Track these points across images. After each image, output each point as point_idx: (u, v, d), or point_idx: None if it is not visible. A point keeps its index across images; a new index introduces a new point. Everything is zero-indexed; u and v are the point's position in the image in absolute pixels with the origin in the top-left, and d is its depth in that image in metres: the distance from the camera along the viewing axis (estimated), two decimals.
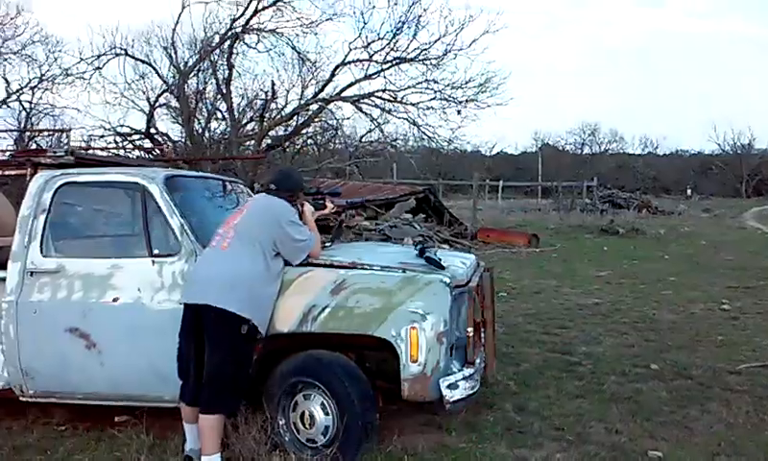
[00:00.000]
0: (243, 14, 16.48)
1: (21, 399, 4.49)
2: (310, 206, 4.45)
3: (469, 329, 4.08)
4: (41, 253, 4.44)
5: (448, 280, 3.98)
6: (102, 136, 18.79)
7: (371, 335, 3.89)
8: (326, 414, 3.97)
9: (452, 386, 3.88)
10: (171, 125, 19.53)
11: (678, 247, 16.73)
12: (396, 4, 16.90)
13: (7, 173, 5.13)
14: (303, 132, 20.00)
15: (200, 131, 18.49)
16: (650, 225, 21.75)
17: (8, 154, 6.09)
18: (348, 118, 19.54)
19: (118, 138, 18.88)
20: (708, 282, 10.99)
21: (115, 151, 18.34)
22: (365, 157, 22.17)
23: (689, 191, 45.63)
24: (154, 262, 4.25)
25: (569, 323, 7.97)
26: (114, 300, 4.26)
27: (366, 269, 4.13)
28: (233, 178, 5.91)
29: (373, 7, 16.92)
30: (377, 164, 29.84)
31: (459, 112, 17.00)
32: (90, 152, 18.12)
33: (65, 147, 19.12)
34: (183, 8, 16.87)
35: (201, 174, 5.71)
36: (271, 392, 4.09)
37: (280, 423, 4.09)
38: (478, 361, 4.23)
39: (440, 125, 17.83)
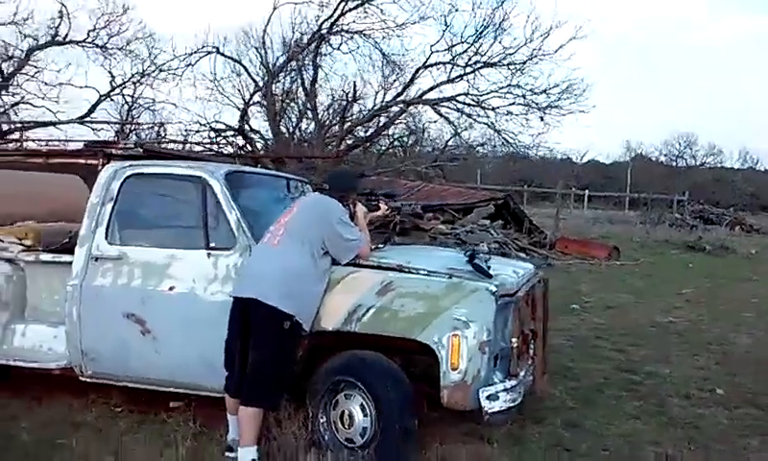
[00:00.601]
0: (331, 16, 16.71)
1: (81, 378, 4.69)
2: (363, 206, 4.47)
3: (514, 340, 4.00)
4: (106, 239, 4.63)
5: (494, 289, 3.92)
6: (197, 131, 19.54)
7: (413, 339, 3.88)
8: (365, 415, 3.98)
9: (492, 397, 3.82)
10: (263, 123, 20.07)
11: None
12: (479, 7, 16.82)
13: (84, 162, 5.36)
14: (386, 133, 20.17)
15: (290, 129, 18.96)
16: (742, 243, 20.72)
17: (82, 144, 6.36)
18: (435, 121, 19.53)
19: (212, 134, 19.58)
20: None
21: (209, 146, 19.02)
22: (446, 161, 22.10)
23: None
24: (210, 255, 4.37)
25: (640, 340, 7.68)
26: (170, 288, 4.40)
27: (413, 273, 4.12)
28: (301, 177, 5.97)
29: (456, 9, 16.86)
30: (461, 169, 29.73)
31: (542, 119, 16.74)
32: (188, 146, 18.89)
33: (160, 138, 20.00)
34: (274, 9, 17.29)
35: (264, 171, 5.84)
36: (314, 388, 4.13)
37: (321, 420, 4.12)
38: (523, 374, 4.14)
39: (520, 131, 17.64)
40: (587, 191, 35.91)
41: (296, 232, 4.01)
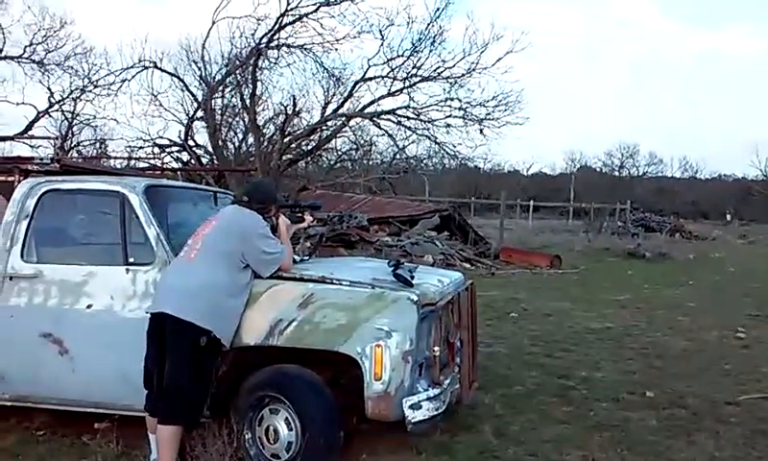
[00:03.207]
0: (270, 30, 16.64)
1: None
2: (286, 219, 4.42)
3: (436, 349, 3.99)
4: (22, 258, 4.49)
5: (416, 298, 3.91)
6: (141, 147, 19.25)
7: (336, 351, 3.85)
8: (290, 429, 3.93)
9: (415, 406, 3.81)
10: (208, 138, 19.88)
11: (705, 273, 16.30)
12: (414, 22, 16.96)
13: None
14: (332, 147, 20.21)
15: (236, 144, 18.87)
16: (680, 250, 21.29)
17: None
18: (382, 135, 19.51)
19: (156, 150, 19.34)
20: (729, 310, 10.66)
21: (153, 162, 18.80)
22: (393, 174, 22.21)
23: (728, 216, 44.64)
24: (128, 271, 4.27)
25: (574, 346, 7.79)
26: (88, 306, 4.29)
27: (335, 284, 4.09)
28: (226, 190, 5.91)
29: (392, 23, 16.92)
30: (410, 182, 29.91)
31: (481, 131, 16.93)
32: (132, 163, 18.60)
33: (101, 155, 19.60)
34: (213, 23, 17.15)
35: (187, 185, 5.75)
36: (239, 405, 4.07)
37: (247, 436, 4.05)
38: (448, 382, 4.14)
39: (460, 143, 17.86)
40: (531, 202, 36.46)
41: (213, 246, 3.93)
